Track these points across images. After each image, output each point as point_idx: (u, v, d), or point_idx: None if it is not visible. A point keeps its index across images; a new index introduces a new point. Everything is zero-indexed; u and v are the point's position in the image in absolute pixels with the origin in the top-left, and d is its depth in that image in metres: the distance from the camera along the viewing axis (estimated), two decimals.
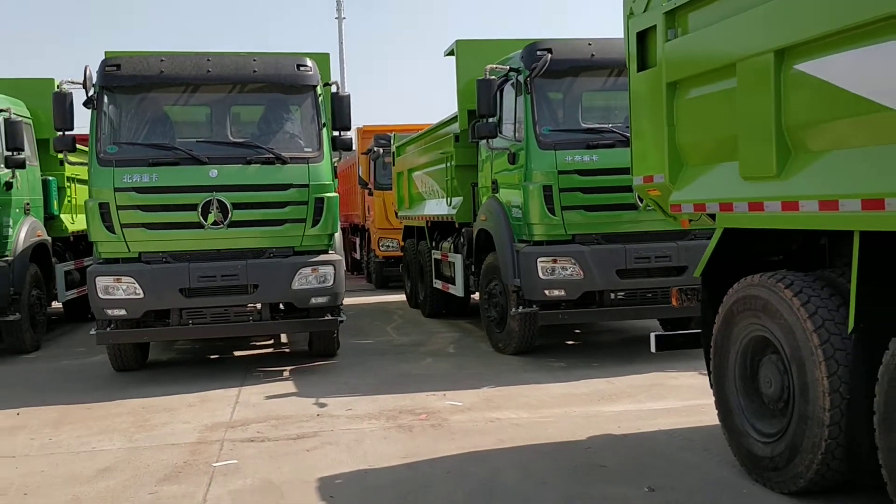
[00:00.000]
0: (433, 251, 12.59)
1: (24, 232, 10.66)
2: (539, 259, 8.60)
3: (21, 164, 10.42)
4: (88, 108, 8.67)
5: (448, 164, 11.53)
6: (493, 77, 9.05)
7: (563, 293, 8.64)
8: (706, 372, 5.55)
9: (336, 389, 8.09)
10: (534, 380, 8.17)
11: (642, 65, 6.03)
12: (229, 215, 8.57)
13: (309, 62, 9.09)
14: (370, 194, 18.06)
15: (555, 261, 8.60)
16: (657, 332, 6.13)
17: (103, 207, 8.43)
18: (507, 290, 9.26)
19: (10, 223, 10.40)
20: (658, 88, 5.77)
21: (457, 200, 11.22)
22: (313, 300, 8.77)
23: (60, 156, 9.95)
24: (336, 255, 9.07)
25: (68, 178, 12.67)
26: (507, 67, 9.15)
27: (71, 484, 5.53)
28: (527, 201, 8.79)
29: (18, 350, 10.75)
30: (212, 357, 10.29)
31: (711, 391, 5.46)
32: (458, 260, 11.06)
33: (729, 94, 5.02)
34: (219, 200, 8.54)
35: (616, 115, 8.95)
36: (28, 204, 10.95)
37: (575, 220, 8.72)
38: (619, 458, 5.59)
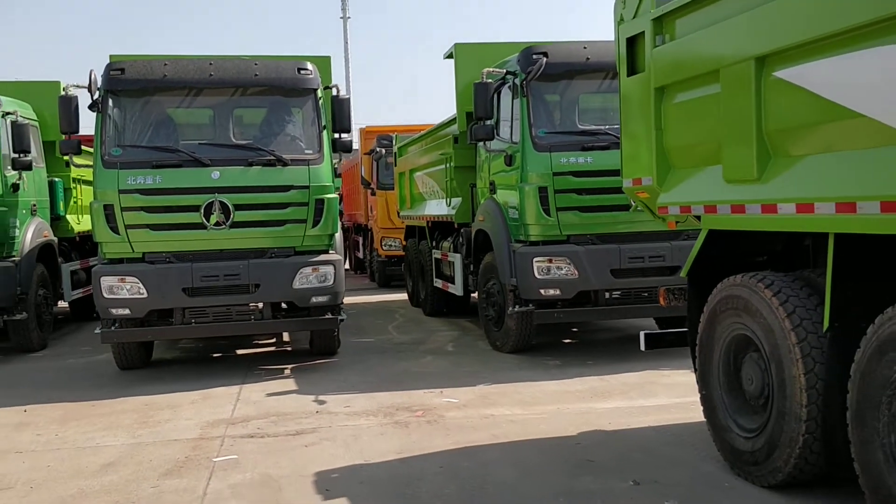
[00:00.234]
0: (433, 251, 12.75)
1: (31, 232, 10.85)
2: (535, 259, 8.76)
3: (28, 166, 10.61)
4: (93, 111, 8.86)
5: (447, 165, 11.69)
6: (490, 80, 9.21)
7: (558, 292, 8.80)
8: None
9: (335, 387, 8.26)
10: (529, 377, 8.33)
11: (632, 69, 6.17)
12: (231, 216, 8.74)
13: (309, 66, 9.26)
14: (373, 194, 18.23)
15: (550, 260, 8.75)
16: (646, 331, 6.28)
17: (108, 209, 8.61)
18: (504, 289, 9.42)
19: (17, 224, 10.59)
20: (646, 93, 5.92)
21: (456, 201, 11.38)
22: (314, 299, 8.94)
23: (66, 158, 10.14)
24: (336, 255, 9.24)
25: (74, 180, 12.87)
26: (504, 71, 9.31)
27: (76, 478, 5.71)
28: (523, 202, 8.95)
29: (25, 349, 10.94)
30: (215, 356, 10.47)
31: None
32: (457, 259, 11.21)
33: (713, 99, 5.17)
34: (221, 202, 8.71)
35: (611, 117, 9.08)
36: (35, 205, 11.14)
37: (570, 220, 8.87)
38: (608, 453, 5.74)
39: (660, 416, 6.63)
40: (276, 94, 9.25)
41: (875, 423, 3.97)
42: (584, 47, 9.08)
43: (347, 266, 23.89)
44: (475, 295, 11.04)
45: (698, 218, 5.62)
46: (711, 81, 5.17)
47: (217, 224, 8.72)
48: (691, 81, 5.45)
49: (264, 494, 5.26)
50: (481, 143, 9.79)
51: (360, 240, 21.40)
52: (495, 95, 9.48)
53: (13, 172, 10.51)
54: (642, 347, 6.25)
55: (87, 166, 11.19)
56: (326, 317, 9.13)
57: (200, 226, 8.72)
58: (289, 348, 10.77)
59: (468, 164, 10.96)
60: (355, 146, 23.94)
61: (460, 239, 11.27)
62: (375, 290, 18.02)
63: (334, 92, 9.43)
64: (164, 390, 8.36)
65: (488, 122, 9.34)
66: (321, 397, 7.82)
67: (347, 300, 14.85)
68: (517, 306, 9.07)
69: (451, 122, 11.62)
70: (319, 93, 9.28)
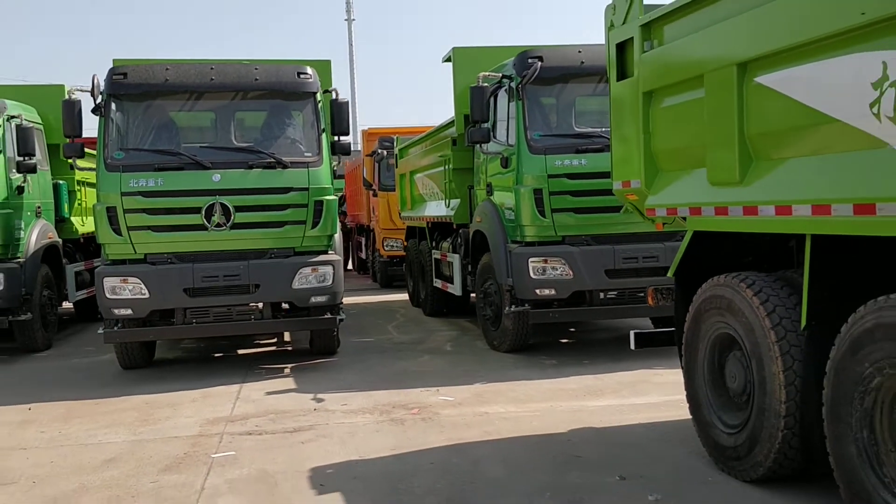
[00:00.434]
0: (433, 251, 12.90)
1: (36, 234, 11.01)
2: (530, 259, 8.90)
3: (32, 169, 10.77)
4: (97, 115, 9.01)
5: (446, 167, 11.82)
6: (486, 84, 9.35)
7: (553, 292, 8.94)
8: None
9: (334, 385, 8.40)
10: (525, 376, 8.46)
11: (621, 74, 6.31)
12: (232, 218, 8.89)
13: (309, 70, 9.40)
14: (374, 195, 18.37)
15: (545, 261, 8.89)
16: (636, 330, 6.42)
17: (111, 211, 8.76)
18: (501, 289, 9.55)
19: (22, 226, 10.75)
20: (635, 97, 6.06)
21: (455, 202, 11.52)
22: (313, 299, 9.08)
23: (70, 160, 10.30)
24: (335, 256, 9.38)
25: (79, 182, 13.02)
26: (500, 75, 9.44)
27: (78, 473, 5.86)
28: (518, 204, 9.08)
29: (30, 349, 11.10)
30: (216, 355, 10.62)
31: None
32: (456, 260, 11.35)
33: (698, 103, 5.30)
34: (222, 203, 8.86)
35: (605, 120, 9.03)
36: (39, 207, 11.30)
37: (565, 221, 9.00)
38: (597, 450, 5.88)
39: (650, 414, 6.76)
40: (275, 98, 9.40)
41: (848, 418, 4.09)
42: (579, 51, 9.21)
43: (350, 267, 24.11)
44: (474, 295, 11.17)
45: (685, 219, 5.75)
46: (696, 86, 5.30)
47: (218, 225, 8.87)
48: (677, 86, 5.58)
49: (260, 489, 5.41)
50: (478, 146, 9.92)
51: (363, 241, 21.55)
52: (492, 98, 9.62)
53: (18, 175, 10.68)
54: (632, 346, 6.39)
55: (90, 169, 11.36)
56: (326, 317, 9.26)
57: (201, 227, 8.87)
58: (289, 348, 10.91)
59: (466, 165, 11.09)
60: (358, 147, 24.18)
61: (459, 239, 11.41)
62: (377, 291, 18.17)
63: (333, 95, 9.57)
64: (166, 389, 8.51)
65: (484, 125, 9.49)
66: (319, 395, 7.96)
67: (349, 300, 15.05)
68: (513, 306, 9.21)
69: (450, 124, 11.77)
70: (319, 96, 9.42)
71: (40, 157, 11.34)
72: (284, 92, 9.32)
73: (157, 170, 8.84)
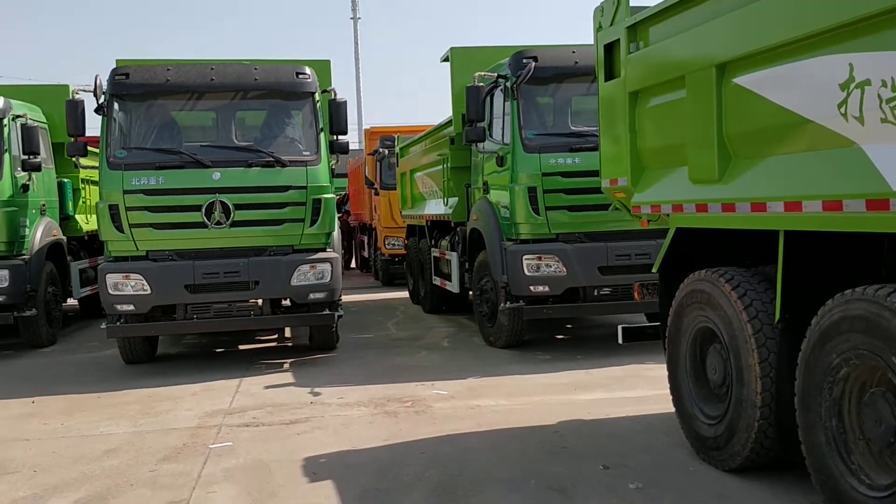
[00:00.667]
0: (432, 249, 13.05)
1: (40, 231, 11.20)
2: (524, 256, 9.05)
3: (37, 167, 10.95)
4: (99, 114, 9.19)
5: (445, 166, 11.98)
6: (482, 84, 9.51)
7: (547, 289, 9.09)
8: None
9: (331, 380, 8.56)
10: (518, 371, 8.62)
11: (609, 75, 6.46)
12: (231, 216, 9.06)
13: (308, 70, 9.57)
14: (376, 194, 18.52)
15: (539, 258, 9.04)
16: (624, 325, 6.57)
17: (113, 209, 8.94)
18: (496, 286, 9.71)
19: (27, 223, 10.94)
20: (622, 97, 6.21)
21: (453, 200, 11.67)
22: (311, 296, 9.25)
23: (74, 159, 10.48)
24: (333, 253, 9.54)
25: (83, 180, 13.20)
26: (496, 74, 9.60)
27: (79, 463, 6.04)
28: (513, 202, 9.24)
29: (35, 344, 11.29)
30: (217, 351, 10.80)
31: None
32: (454, 257, 11.50)
33: (680, 103, 5.45)
34: (222, 202, 9.03)
35: (598, 119, 9.34)
36: (44, 205, 11.50)
37: (559, 219, 9.16)
38: (583, 441, 6.03)
39: (638, 407, 6.91)
40: (275, 98, 9.57)
41: (818, 407, 4.24)
42: (573, 51, 9.36)
43: (354, 265, 24.28)
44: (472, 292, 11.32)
45: (668, 216, 5.89)
46: (679, 87, 5.45)
47: (218, 223, 9.04)
48: (661, 87, 5.73)
49: (255, 477, 5.57)
50: (474, 145, 10.08)
51: (366, 239, 21.72)
52: (488, 98, 9.78)
53: (23, 173, 10.86)
54: (620, 341, 6.54)
55: (94, 167, 11.53)
56: (324, 313, 9.43)
57: (202, 225, 9.04)
58: (289, 344, 11.09)
59: (464, 164, 11.24)
60: (360, 146, 24.35)
61: (456, 237, 11.57)
62: (379, 289, 18.34)
63: (332, 95, 9.74)
64: (167, 383, 8.69)
65: (480, 125, 9.64)
66: (317, 389, 8.13)
67: (351, 298, 15.24)
68: (509, 303, 9.37)
69: (449, 123, 11.90)
70: (317, 96, 9.59)
71: (45, 155, 11.53)
72: (283, 92, 9.49)
73: (158, 168, 9.01)
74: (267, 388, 8.36)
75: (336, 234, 9.94)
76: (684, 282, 5.58)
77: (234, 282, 9.12)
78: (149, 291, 8.92)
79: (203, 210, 9.01)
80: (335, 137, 9.70)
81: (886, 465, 3.97)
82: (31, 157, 10.82)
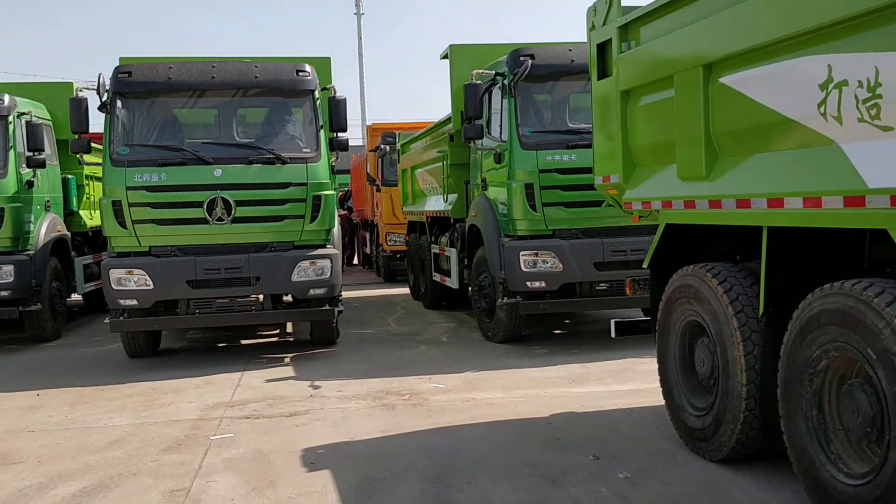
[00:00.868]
0: (432, 245, 13.18)
1: (45, 227, 11.34)
2: (521, 252, 9.18)
3: (41, 164, 11.09)
4: (102, 112, 9.33)
5: (444, 163, 12.10)
6: (480, 81, 9.62)
7: (543, 284, 9.22)
8: None
9: (331, 374, 8.71)
10: (515, 364, 8.75)
11: (602, 73, 6.58)
12: (233, 212, 9.18)
13: (308, 68, 9.69)
14: (378, 191, 18.64)
15: (536, 254, 9.17)
16: (616, 319, 6.70)
17: (116, 205, 9.08)
18: (494, 282, 9.83)
19: (32, 219, 11.09)
20: (614, 95, 6.33)
21: (452, 197, 11.80)
22: (311, 291, 9.38)
23: (78, 156, 10.62)
24: (333, 249, 9.67)
25: (87, 177, 13.36)
26: (493, 72, 9.72)
27: (82, 453, 6.18)
28: (510, 198, 9.36)
29: (40, 339, 11.45)
30: (219, 345, 10.94)
31: None
32: (453, 254, 11.63)
33: (669, 102, 5.57)
34: (223, 198, 9.15)
35: None
36: (48, 201, 11.64)
37: (555, 215, 9.28)
38: (575, 432, 6.16)
39: (631, 400, 7.04)
40: (275, 95, 9.69)
41: (799, 398, 4.37)
42: (570, 49, 9.47)
43: (356, 261, 24.42)
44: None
45: (658, 212, 6.02)
46: (668, 86, 5.57)
47: (219, 219, 9.17)
48: (651, 86, 5.85)
49: (255, 467, 5.72)
50: (473, 142, 10.20)
51: (368, 235, 21.84)
52: (486, 95, 9.89)
53: (28, 170, 11.01)
54: (612, 335, 6.68)
55: (96, 164, 11.67)
56: (324, 308, 9.56)
57: (203, 221, 9.17)
58: (290, 339, 11.23)
59: (463, 161, 11.36)
60: (363, 143, 24.43)
61: (456, 234, 11.69)
62: (380, 285, 18.46)
63: (332, 92, 9.86)
64: (170, 376, 8.83)
65: (478, 122, 9.76)
66: (316, 383, 8.27)
67: (352, 294, 15.39)
68: (506, 298, 9.49)
69: (448, 120, 12.01)
70: (317, 93, 9.70)
71: (49, 152, 11.67)
72: (284, 89, 9.61)
73: (160, 165, 9.14)
74: (268, 381, 8.50)
75: (336, 230, 10.07)
76: (673, 277, 5.70)
77: (235, 277, 9.25)
78: (151, 287, 9.06)
79: (205, 206, 9.14)
80: (335, 134, 9.82)
81: (864, 454, 4.10)
82: (36, 153, 10.96)
